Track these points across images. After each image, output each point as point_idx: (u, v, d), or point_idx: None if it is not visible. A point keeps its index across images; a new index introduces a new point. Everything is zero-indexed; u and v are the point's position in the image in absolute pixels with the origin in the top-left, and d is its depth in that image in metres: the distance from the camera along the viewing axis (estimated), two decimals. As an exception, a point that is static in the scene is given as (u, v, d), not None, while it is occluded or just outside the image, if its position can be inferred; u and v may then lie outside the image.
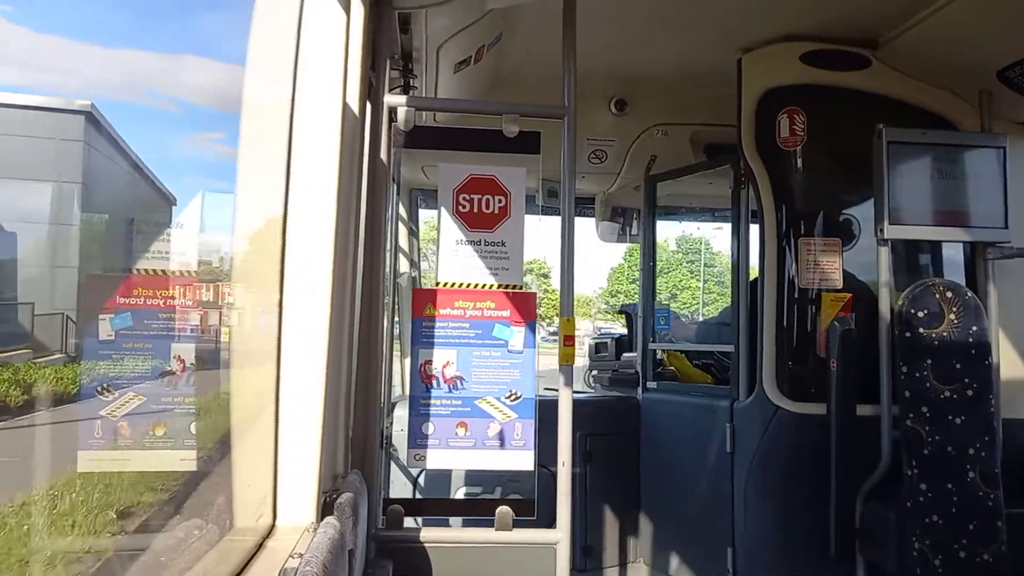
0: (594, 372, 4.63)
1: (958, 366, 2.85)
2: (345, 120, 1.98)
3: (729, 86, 3.47)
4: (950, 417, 2.81)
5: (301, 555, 1.31)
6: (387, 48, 2.59)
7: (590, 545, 3.88)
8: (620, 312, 5.03)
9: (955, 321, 2.88)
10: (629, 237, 4.91)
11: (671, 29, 3.34)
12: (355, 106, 2.14)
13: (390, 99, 2.57)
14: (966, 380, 2.84)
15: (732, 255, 3.72)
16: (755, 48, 3.41)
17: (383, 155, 2.55)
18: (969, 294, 2.97)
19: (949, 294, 2.93)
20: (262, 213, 1.88)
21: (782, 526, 3.24)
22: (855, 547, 3.02)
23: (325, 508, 1.68)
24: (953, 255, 3.44)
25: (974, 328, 2.88)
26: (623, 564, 3.96)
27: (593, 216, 5.04)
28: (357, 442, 2.30)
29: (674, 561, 3.76)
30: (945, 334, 2.89)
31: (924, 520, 2.76)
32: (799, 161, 3.36)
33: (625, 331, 5.11)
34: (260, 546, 1.49)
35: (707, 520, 3.56)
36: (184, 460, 1.56)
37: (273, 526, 1.61)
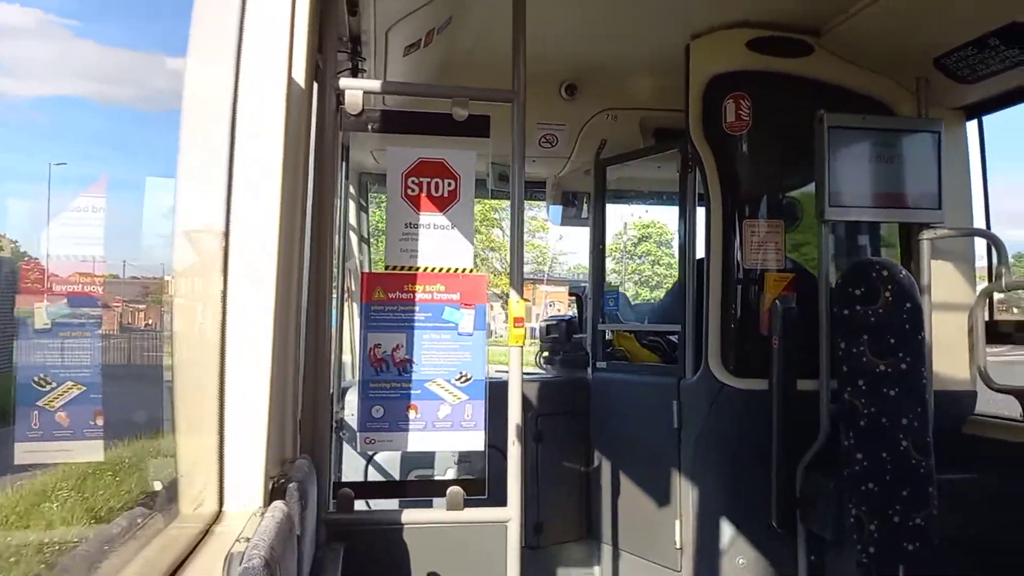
0: (545, 353, 4.68)
1: (892, 341, 2.96)
2: (291, 103, 1.96)
3: (677, 72, 3.52)
4: (885, 390, 2.93)
5: (248, 539, 1.31)
6: (335, 30, 2.56)
7: (541, 522, 3.95)
8: (570, 294, 5.09)
9: (890, 298, 2.99)
10: (579, 220, 4.95)
11: (621, 14, 3.36)
12: (301, 89, 2.12)
13: (337, 81, 2.55)
14: (900, 354, 2.96)
15: (680, 237, 3.79)
16: (703, 34, 3.46)
17: (331, 138, 2.52)
18: (904, 272, 3.08)
19: (885, 272, 3.04)
20: (204, 199, 1.85)
21: (727, 498, 3.34)
22: (796, 516, 3.13)
23: (273, 493, 1.68)
24: (889, 235, 3.57)
25: (908, 305, 3.00)
26: (574, 540, 4.04)
27: (544, 200, 5.07)
28: (307, 426, 2.30)
29: (624, 535, 3.85)
30: (881, 310, 3.00)
31: (860, 488, 2.88)
32: (744, 145, 3.44)
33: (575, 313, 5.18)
34: (207, 532, 1.49)
35: (655, 495, 3.65)
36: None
37: (220, 512, 1.60)
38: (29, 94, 1.69)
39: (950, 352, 3.34)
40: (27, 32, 1.64)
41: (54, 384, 1.43)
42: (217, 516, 1.59)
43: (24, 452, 1.38)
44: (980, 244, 3.54)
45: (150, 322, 1.99)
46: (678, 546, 3.50)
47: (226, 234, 1.79)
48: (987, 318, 3.36)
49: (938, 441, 2.95)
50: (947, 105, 3.45)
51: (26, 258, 1.56)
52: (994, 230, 3.47)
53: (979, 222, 3.54)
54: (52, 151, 1.65)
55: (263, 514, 1.51)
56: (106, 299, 1.78)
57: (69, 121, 1.68)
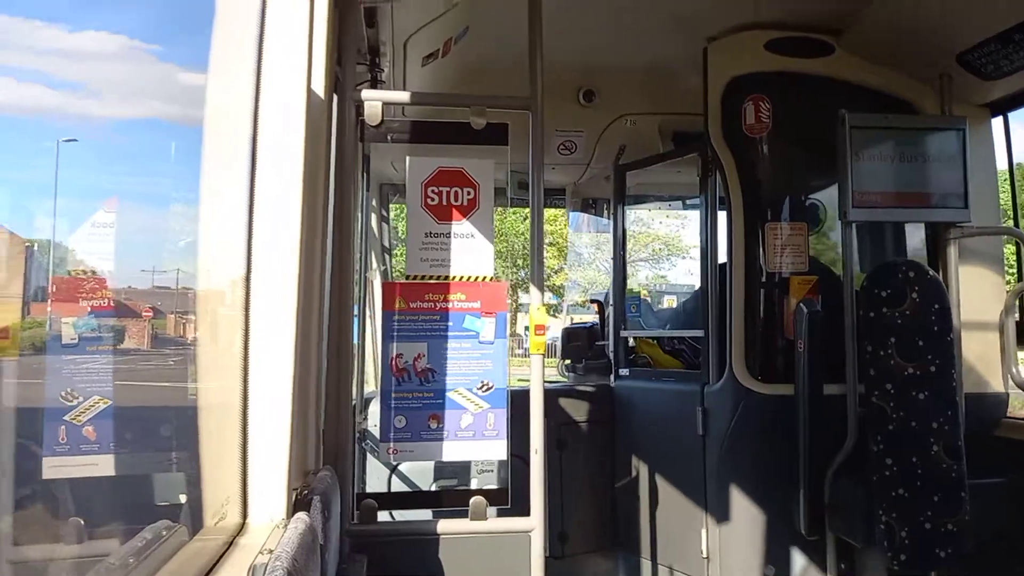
0: (567, 361, 4.66)
1: (920, 343, 2.91)
2: (310, 115, 1.97)
3: (695, 75, 3.50)
4: (913, 393, 2.88)
5: (271, 551, 1.31)
6: (353, 42, 2.58)
7: (565, 532, 3.92)
8: (592, 301, 5.07)
9: (917, 300, 2.94)
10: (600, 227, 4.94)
11: (637, 19, 3.36)
12: (321, 101, 2.13)
13: (357, 94, 2.57)
14: (929, 357, 2.90)
15: (701, 241, 3.76)
16: (720, 37, 3.44)
17: (351, 150, 2.54)
18: (931, 273, 3.03)
19: (911, 274, 2.99)
20: (227, 212, 1.87)
21: (754, 506, 3.29)
22: (824, 523, 3.08)
23: (296, 505, 1.69)
24: (915, 235, 3.51)
25: (936, 306, 2.95)
26: (598, 550, 4.01)
27: (564, 207, 5.06)
28: (329, 437, 2.31)
29: (649, 545, 3.81)
30: (908, 312, 2.95)
31: (890, 494, 2.83)
32: (765, 148, 3.41)
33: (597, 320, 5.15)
34: (230, 544, 1.50)
35: (681, 503, 3.61)
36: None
37: (244, 524, 1.61)
38: (112, 116, 1.75)
39: (980, 354, 3.28)
40: (111, 56, 1.69)
41: (81, 399, 1.45)
42: (241, 528, 1.60)
43: (51, 467, 1.39)
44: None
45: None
46: (705, 555, 3.45)
47: (248, 246, 1.81)
48: (1017, 318, 3.29)
49: (969, 445, 2.89)
50: (971, 102, 3.39)
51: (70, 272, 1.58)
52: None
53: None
54: (127, 170, 1.70)
55: (286, 526, 1.51)
56: (136, 307, 1.80)
57: (145, 141, 1.72)
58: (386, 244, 4.53)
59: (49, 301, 1.53)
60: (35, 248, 1.55)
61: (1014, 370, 3.23)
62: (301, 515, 1.54)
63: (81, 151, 1.58)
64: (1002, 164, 3.52)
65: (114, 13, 1.71)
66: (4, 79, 1.43)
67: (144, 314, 1.82)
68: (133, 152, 1.72)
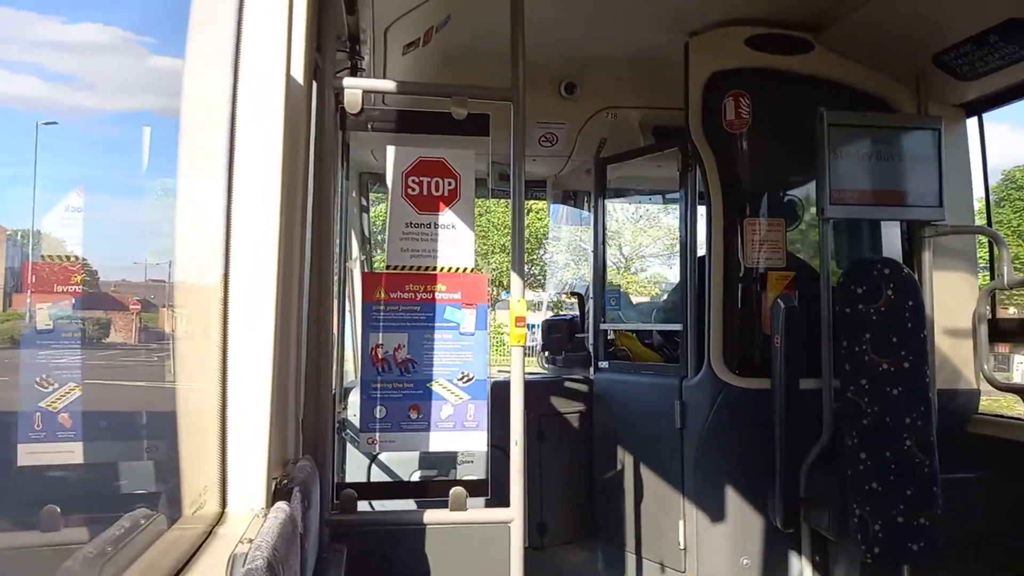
0: (547, 353, 4.67)
1: (895, 340, 2.96)
2: (290, 102, 1.95)
3: (677, 69, 3.51)
4: (888, 389, 2.92)
5: (251, 541, 1.30)
6: (333, 29, 2.55)
7: (544, 523, 3.93)
8: (572, 294, 5.07)
9: (892, 297, 2.98)
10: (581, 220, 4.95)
11: (620, 13, 3.36)
12: (300, 88, 2.11)
13: (336, 81, 2.54)
14: (902, 353, 2.95)
15: (680, 236, 3.78)
16: (701, 32, 3.46)
17: (330, 138, 2.52)
18: (905, 270, 3.07)
19: (887, 271, 3.03)
20: (205, 199, 1.85)
21: (731, 498, 3.33)
22: (799, 516, 3.12)
23: (276, 494, 1.67)
24: (891, 233, 3.56)
25: (910, 303, 2.99)
26: (577, 540, 4.02)
27: (545, 199, 5.06)
28: (309, 427, 2.29)
29: (627, 535, 3.83)
30: (883, 309, 2.99)
31: (864, 487, 2.87)
32: (744, 143, 3.43)
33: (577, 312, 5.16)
34: (209, 533, 1.48)
35: (659, 495, 3.64)
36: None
37: (223, 513, 1.59)
38: (106, 108, 1.72)
39: (953, 350, 3.34)
40: (106, 48, 1.67)
41: (56, 385, 1.43)
42: (220, 517, 1.58)
43: (27, 454, 1.37)
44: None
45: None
46: (682, 546, 3.49)
47: (226, 234, 1.78)
48: (990, 316, 3.35)
49: (942, 440, 2.94)
50: (947, 102, 3.45)
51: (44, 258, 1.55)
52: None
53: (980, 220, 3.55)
54: (119, 163, 1.68)
55: (266, 515, 1.50)
56: (125, 300, 1.77)
57: (137, 134, 1.71)
58: (366, 233, 4.50)
59: (28, 291, 1.50)
60: (18, 237, 1.52)
61: (986, 367, 3.29)
62: (281, 504, 1.53)
63: (71, 143, 1.56)
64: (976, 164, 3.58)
65: (108, 6, 1.70)
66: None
67: (132, 307, 1.79)
68: (124, 144, 1.71)
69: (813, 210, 3.33)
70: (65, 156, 1.60)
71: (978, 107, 3.50)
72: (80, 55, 1.62)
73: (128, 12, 1.74)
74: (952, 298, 3.39)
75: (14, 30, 1.43)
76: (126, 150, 1.71)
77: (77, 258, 1.52)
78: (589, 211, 4.69)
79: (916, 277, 3.17)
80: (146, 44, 1.75)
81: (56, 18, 1.56)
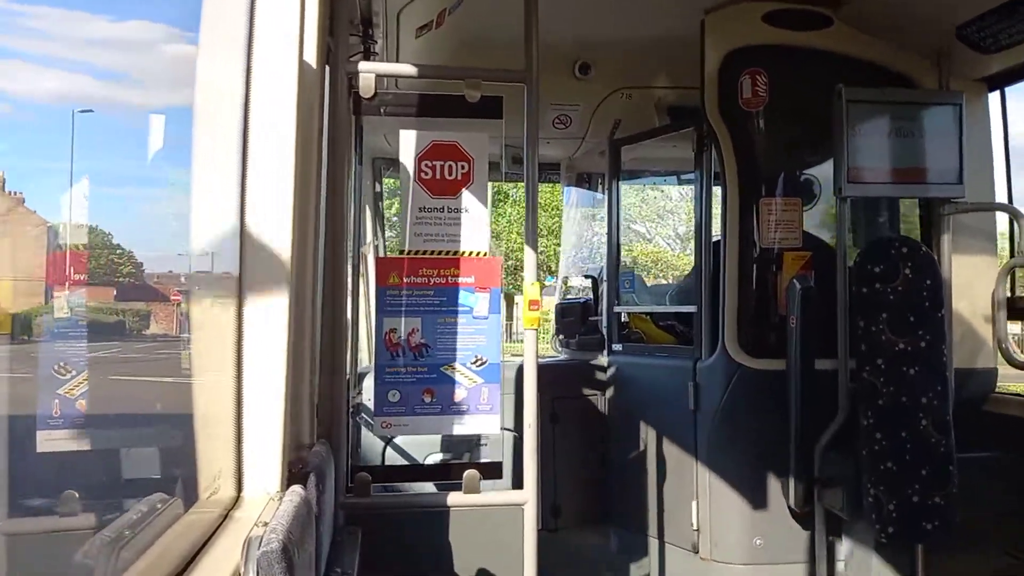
0: (560, 336, 4.67)
1: (912, 319, 2.93)
2: (302, 88, 1.95)
3: (692, 48, 3.46)
4: (904, 368, 2.90)
5: (266, 524, 1.32)
6: (346, 12, 2.55)
7: (558, 505, 3.96)
8: (586, 276, 5.07)
9: (909, 276, 2.95)
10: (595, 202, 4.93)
11: None
12: (313, 73, 2.11)
13: (350, 66, 2.54)
14: (920, 332, 2.92)
15: (696, 216, 3.76)
16: (717, 9, 3.41)
17: (343, 123, 2.52)
18: (923, 249, 3.04)
19: (904, 249, 3.00)
20: (220, 184, 1.86)
21: (744, 479, 3.33)
22: (814, 496, 3.12)
23: (291, 478, 1.70)
24: (910, 210, 3.52)
25: (928, 282, 2.96)
26: (591, 523, 4.05)
27: (558, 182, 5.04)
28: (324, 411, 2.32)
29: (641, 517, 3.85)
30: (900, 289, 2.96)
31: (879, 467, 2.86)
32: (761, 122, 3.39)
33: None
34: (225, 517, 1.51)
35: (673, 476, 3.65)
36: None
37: (238, 497, 1.62)
38: (153, 104, 1.76)
39: (971, 329, 3.30)
40: (153, 45, 1.71)
41: (74, 372, 1.45)
42: (236, 501, 1.61)
43: (45, 440, 1.40)
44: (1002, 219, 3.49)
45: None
46: (695, 527, 3.50)
47: (241, 220, 1.80)
48: (1009, 294, 3.30)
49: (958, 419, 2.92)
50: (969, 76, 3.38)
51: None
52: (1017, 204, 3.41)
53: (1001, 196, 3.48)
54: (169, 157, 1.73)
55: (281, 499, 1.52)
56: (166, 290, 1.80)
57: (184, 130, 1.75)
58: (380, 218, 4.51)
59: (65, 282, 1.52)
60: (59, 229, 1.54)
61: (1004, 346, 3.25)
62: (296, 488, 1.55)
63: (119, 139, 1.59)
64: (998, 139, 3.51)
65: (154, 2, 1.73)
66: (54, 70, 1.46)
67: (173, 298, 1.82)
68: (172, 139, 1.74)
69: (830, 189, 3.29)
70: (121, 152, 1.63)
71: (1000, 81, 3.43)
72: (127, 51, 1.66)
73: (171, 8, 1.77)
74: (971, 276, 3.34)
75: (66, 28, 1.46)
76: (175, 145, 1.74)
77: (84, 247, 1.54)
78: (603, 193, 4.66)
79: (935, 256, 3.13)
80: (192, 40, 1.79)
81: (104, 16, 1.59)
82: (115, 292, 1.65)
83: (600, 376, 4.13)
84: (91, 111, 1.54)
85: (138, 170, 1.71)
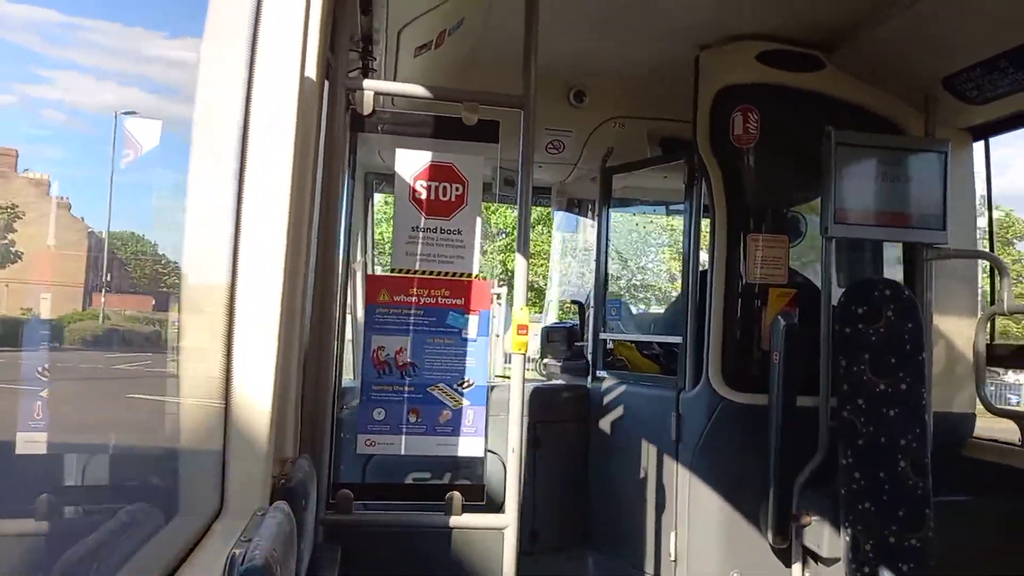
0: (545, 360, 4.67)
1: (893, 361, 2.96)
2: (302, 102, 1.96)
3: (686, 82, 3.52)
4: (884, 409, 2.93)
5: (250, 540, 1.31)
6: (347, 29, 2.56)
7: (537, 529, 3.93)
8: (572, 302, 5.09)
9: (892, 318, 2.99)
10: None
11: (632, 23, 3.37)
12: (313, 88, 2.12)
13: (349, 82, 2.55)
14: (900, 374, 2.96)
15: (684, 248, 3.79)
16: (713, 45, 3.47)
17: (340, 139, 2.52)
18: (906, 292, 3.08)
19: (888, 292, 3.04)
20: (215, 196, 1.85)
21: (723, 512, 3.33)
22: (791, 532, 3.13)
23: (274, 492, 1.68)
24: (893, 254, 3.57)
25: (910, 325, 3.00)
26: (569, 547, 4.02)
27: (549, 206, 5.06)
28: (307, 426, 2.30)
29: (619, 545, 3.84)
30: (882, 330, 3.00)
31: (857, 506, 2.88)
32: (751, 159, 3.44)
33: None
34: (207, 531, 1.48)
35: (652, 505, 3.64)
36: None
37: (221, 510, 1.60)
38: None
39: (950, 373, 3.35)
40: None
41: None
42: (218, 514, 1.59)
43: (25, 442, 1.37)
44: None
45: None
46: (673, 558, 3.49)
47: (235, 232, 1.79)
48: (988, 340, 3.36)
49: (936, 462, 2.95)
50: (955, 125, 3.45)
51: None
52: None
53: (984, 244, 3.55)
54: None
55: (264, 514, 1.50)
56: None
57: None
58: (370, 235, 4.50)
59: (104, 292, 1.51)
60: (101, 236, 1.54)
61: (983, 391, 3.30)
62: (280, 504, 1.53)
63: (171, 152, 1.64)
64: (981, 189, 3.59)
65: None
66: (106, 82, 1.49)
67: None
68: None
69: (817, 227, 3.34)
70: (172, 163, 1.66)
71: (985, 131, 3.51)
72: (182, 69, 1.73)
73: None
74: (952, 321, 3.40)
75: (126, 44, 1.51)
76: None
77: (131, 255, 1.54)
78: (593, 220, 4.69)
79: (917, 299, 3.17)
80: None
81: (159, 33, 1.64)
82: (153, 302, 1.64)
83: (583, 402, 4.13)
84: (134, 112, 1.56)
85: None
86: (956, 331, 3.39)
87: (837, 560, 2.96)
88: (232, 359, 1.66)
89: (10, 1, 1.31)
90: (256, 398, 1.69)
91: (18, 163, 1.62)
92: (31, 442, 1.42)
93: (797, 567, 3.16)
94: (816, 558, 3.12)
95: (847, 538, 2.88)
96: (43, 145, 1.43)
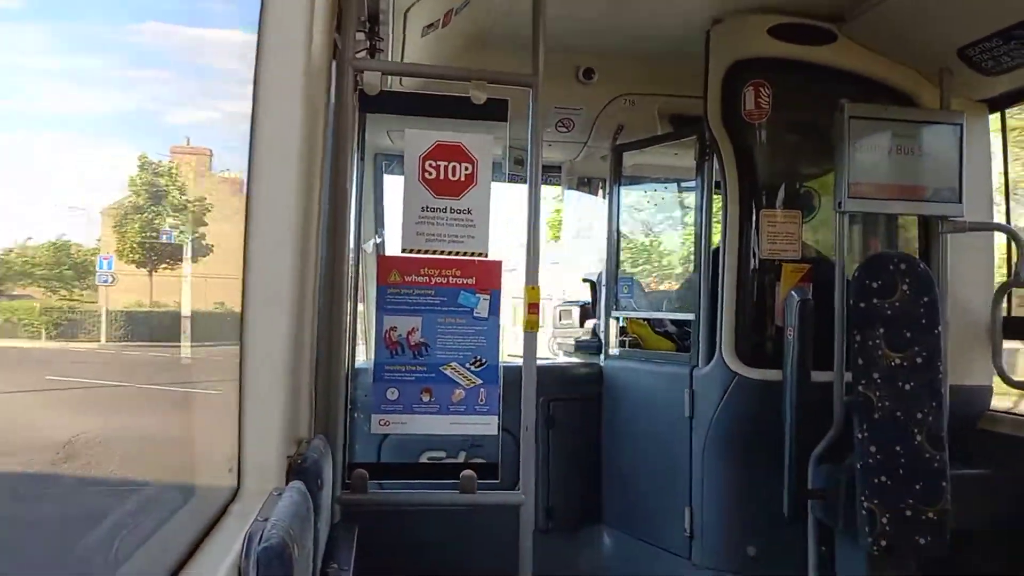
0: (558, 339, 4.67)
1: (908, 335, 2.94)
2: (308, 84, 1.95)
3: (697, 58, 3.48)
4: (900, 383, 2.91)
5: (267, 519, 1.32)
6: (354, 9, 2.55)
7: (552, 507, 3.95)
8: (584, 280, 5.07)
9: (907, 291, 2.97)
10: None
11: None
12: (320, 69, 2.11)
13: (356, 62, 2.54)
14: (916, 348, 2.94)
15: (695, 225, 3.77)
16: (723, 19, 3.42)
17: (348, 119, 2.52)
18: (921, 266, 3.05)
19: (903, 266, 3.01)
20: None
21: (737, 488, 3.34)
22: (807, 507, 3.13)
23: (290, 472, 1.69)
24: (908, 227, 3.53)
25: (925, 299, 2.97)
26: (584, 524, 4.05)
27: (559, 184, 5.04)
28: (321, 407, 2.31)
29: (634, 521, 3.86)
30: (897, 304, 2.97)
31: (873, 481, 2.87)
32: (763, 134, 3.40)
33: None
34: (224, 510, 1.50)
35: (666, 482, 3.65)
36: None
37: (238, 490, 1.61)
38: None
39: (967, 346, 3.32)
40: None
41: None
42: (235, 494, 1.60)
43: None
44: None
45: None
46: (688, 533, 3.50)
47: (245, 214, 1.79)
48: (1005, 312, 3.33)
49: (953, 436, 2.93)
50: (971, 96, 3.40)
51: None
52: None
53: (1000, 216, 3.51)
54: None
55: (280, 493, 1.52)
56: None
57: None
58: (380, 215, 4.50)
59: None
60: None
61: (1000, 364, 3.27)
62: (295, 483, 1.55)
63: None
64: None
65: None
66: None
67: None
68: None
69: (830, 202, 3.30)
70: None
71: (1001, 103, 3.45)
72: None
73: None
74: (968, 294, 3.36)
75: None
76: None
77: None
78: (604, 198, 4.67)
79: (933, 272, 3.14)
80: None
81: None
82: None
83: (596, 380, 4.13)
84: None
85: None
86: (972, 303, 3.36)
87: (853, 534, 2.96)
88: (245, 340, 1.67)
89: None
90: (270, 379, 1.70)
91: (212, 162, 1.76)
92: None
93: (812, 541, 3.17)
94: (832, 532, 3.12)
95: (863, 512, 2.87)
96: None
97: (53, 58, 1.25)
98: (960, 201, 3.20)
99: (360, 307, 3.85)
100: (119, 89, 1.44)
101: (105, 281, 1.49)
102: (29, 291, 1.32)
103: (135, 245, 1.61)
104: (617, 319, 4.18)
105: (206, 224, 1.87)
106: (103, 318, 1.47)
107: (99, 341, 1.42)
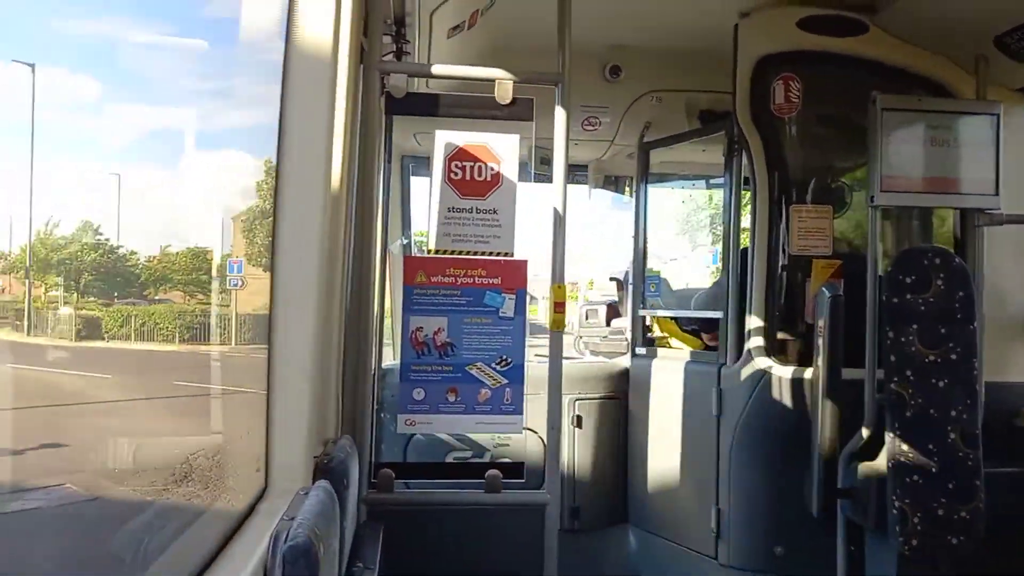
0: (584, 338, 4.66)
1: (943, 331, 2.89)
2: (336, 86, 1.98)
3: (725, 52, 3.44)
4: (933, 380, 2.86)
5: (293, 518, 1.35)
6: (380, 12, 2.57)
7: (578, 506, 3.95)
8: (611, 279, 5.05)
9: (942, 287, 2.91)
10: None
11: None
12: (346, 72, 2.13)
13: (383, 65, 2.56)
14: (950, 344, 2.88)
15: (724, 222, 3.73)
16: (752, 13, 3.38)
17: (375, 121, 2.55)
18: (956, 260, 2.99)
19: (937, 260, 2.95)
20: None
21: (765, 486, 3.31)
22: (836, 506, 3.09)
23: (316, 472, 1.72)
24: (944, 221, 3.46)
25: (960, 294, 2.91)
26: (610, 524, 4.04)
27: (586, 183, 5.03)
28: (348, 407, 2.34)
29: (661, 521, 3.84)
30: (932, 299, 2.92)
31: (905, 479, 2.82)
32: (793, 128, 3.36)
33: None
34: (252, 509, 1.53)
35: (693, 481, 3.63)
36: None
37: (265, 489, 1.65)
38: None
39: (1004, 342, 3.25)
40: None
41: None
42: (262, 494, 1.63)
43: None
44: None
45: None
46: (715, 532, 3.48)
47: (274, 217, 1.83)
48: None
49: (988, 433, 2.87)
50: (1008, 86, 3.32)
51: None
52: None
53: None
54: None
55: (307, 493, 1.55)
56: None
57: None
58: (407, 217, 4.53)
59: None
60: None
61: None
62: (322, 483, 1.57)
63: None
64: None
65: None
66: None
67: None
68: None
69: (862, 196, 3.25)
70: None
71: (1041, 91, 3.36)
72: None
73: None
74: (1006, 288, 3.29)
75: None
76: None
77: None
78: (630, 197, 4.65)
79: (969, 267, 3.08)
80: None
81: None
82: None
83: (623, 379, 4.12)
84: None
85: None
86: (1010, 298, 3.28)
87: (884, 534, 2.91)
88: (273, 341, 1.71)
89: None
90: (297, 380, 1.73)
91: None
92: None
93: (841, 541, 3.13)
94: (862, 532, 3.08)
95: (894, 511, 2.83)
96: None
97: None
98: (997, 193, 3.12)
99: (387, 308, 3.89)
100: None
101: (235, 284, 1.54)
102: (170, 295, 1.38)
103: (263, 249, 1.66)
104: (643, 317, 4.16)
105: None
106: (232, 321, 1.51)
107: (230, 344, 1.47)
